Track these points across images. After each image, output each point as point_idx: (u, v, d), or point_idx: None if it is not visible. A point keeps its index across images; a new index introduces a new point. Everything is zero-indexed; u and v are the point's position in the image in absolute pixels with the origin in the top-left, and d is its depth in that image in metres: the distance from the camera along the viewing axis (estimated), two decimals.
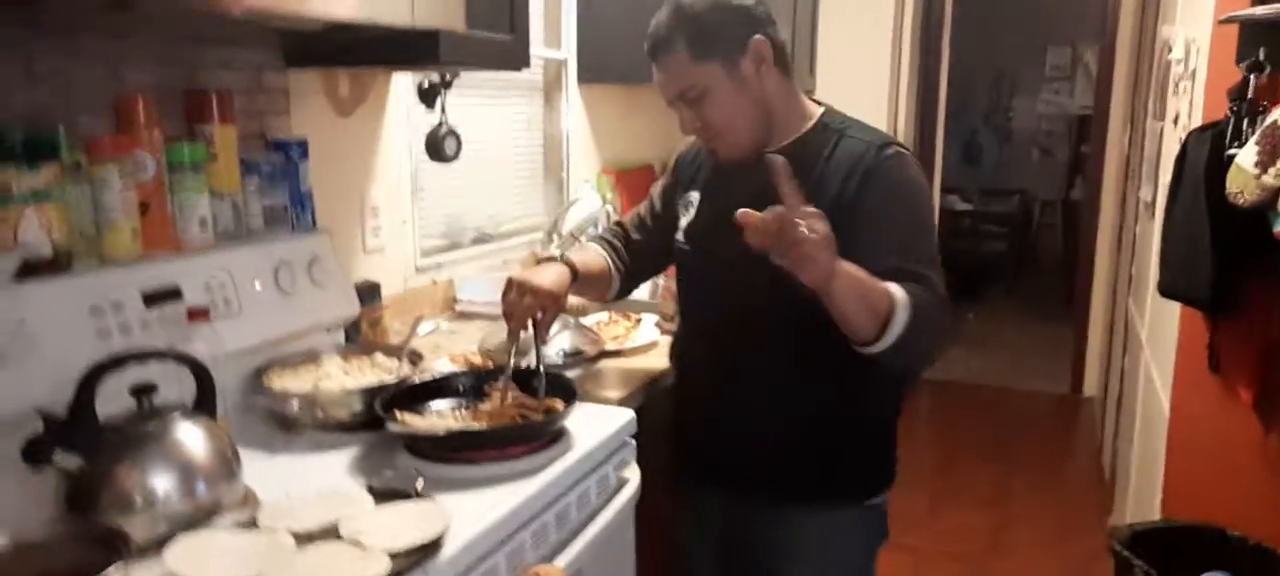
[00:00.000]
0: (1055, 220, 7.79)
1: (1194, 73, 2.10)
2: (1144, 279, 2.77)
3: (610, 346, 1.94)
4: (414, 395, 1.49)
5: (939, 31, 4.69)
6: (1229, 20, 1.79)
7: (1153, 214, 2.54)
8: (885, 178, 1.39)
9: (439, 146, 2.02)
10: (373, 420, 1.38)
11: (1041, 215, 7.86)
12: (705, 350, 1.59)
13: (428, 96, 2.03)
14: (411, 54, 1.59)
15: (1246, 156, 1.67)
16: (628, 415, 1.55)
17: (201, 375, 1.18)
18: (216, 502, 1.11)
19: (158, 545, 1.01)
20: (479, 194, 2.53)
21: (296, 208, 1.69)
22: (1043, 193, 7.83)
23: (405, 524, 1.09)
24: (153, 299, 1.36)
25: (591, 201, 2.64)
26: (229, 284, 1.49)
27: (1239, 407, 1.90)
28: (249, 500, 1.17)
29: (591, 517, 1.40)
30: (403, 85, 2.11)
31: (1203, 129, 1.85)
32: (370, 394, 1.44)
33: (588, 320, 2.09)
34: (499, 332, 1.66)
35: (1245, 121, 1.74)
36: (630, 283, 1.75)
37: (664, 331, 2.06)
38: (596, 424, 1.49)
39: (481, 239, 2.50)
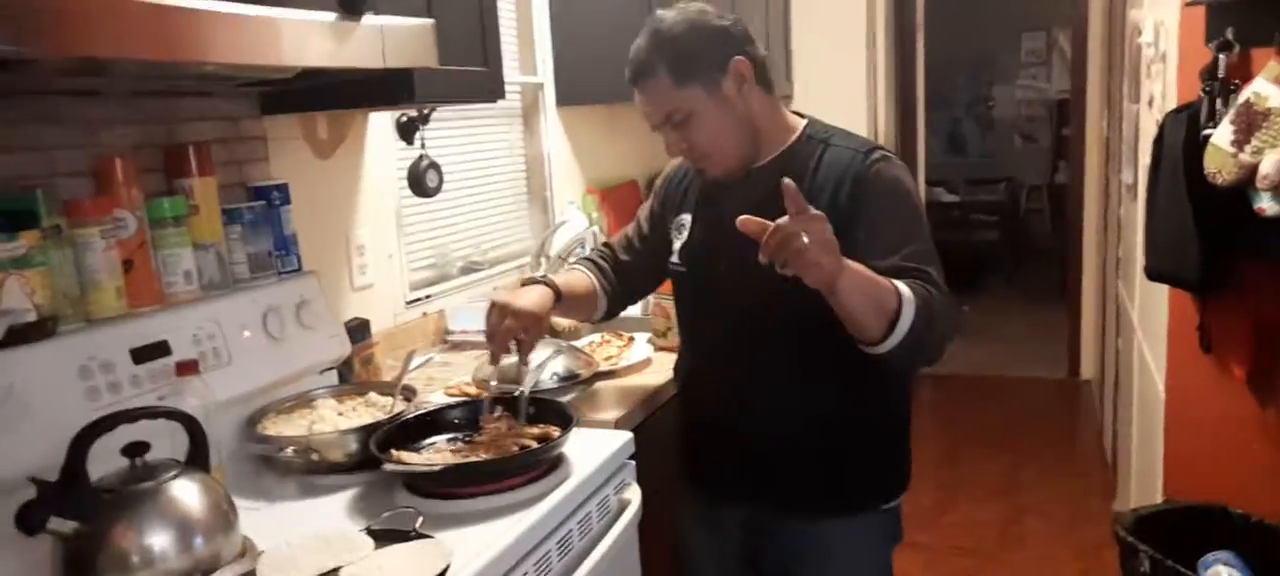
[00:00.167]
0: (1042, 205, 7.82)
1: (1165, 55, 2.12)
2: (1131, 261, 2.78)
3: (604, 367, 1.94)
4: (409, 431, 1.48)
5: (912, 24, 4.72)
6: (1195, 2, 1.80)
7: (1135, 196, 2.55)
8: (875, 182, 1.41)
9: (421, 180, 2.02)
10: (370, 460, 1.38)
11: (1028, 200, 7.89)
12: (714, 368, 1.58)
13: (406, 131, 2.03)
14: (387, 94, 1.59)
15: (1222, 135, 1.68)
16: (625, 436, 1.55)
17: (193, 429, 1.18)
18: (215, 556, 1.11)
19: None
20: (464, 223, 2.53)
21: (281, 252, 1.69)
22: (1028, 178, 7.87)
23: (406, 565, 1.09)
24: (141, 355, 1.36)
25: (578, 222, 2.64)
26: (218, 334, 1.49)
27: (1233, 385, 1.91)
28: (248, 551, 1.16)
29: (594, 542, 1.40)
30: (381, 123, 2.11)
31: (1178, 111, 1.86)
32: (365, 433, 1.44)
33: (580, 342, 2.10)
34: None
35: (1218, 101, 1.76)
36: (618, 303, 1.76)
37: (657, 348, 2.06)
38: (594, 447, 1.49)
39: (470, 268, 2.50)
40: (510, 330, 1.49)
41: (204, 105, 1.63)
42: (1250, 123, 1.64)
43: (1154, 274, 1.98)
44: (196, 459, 1.17)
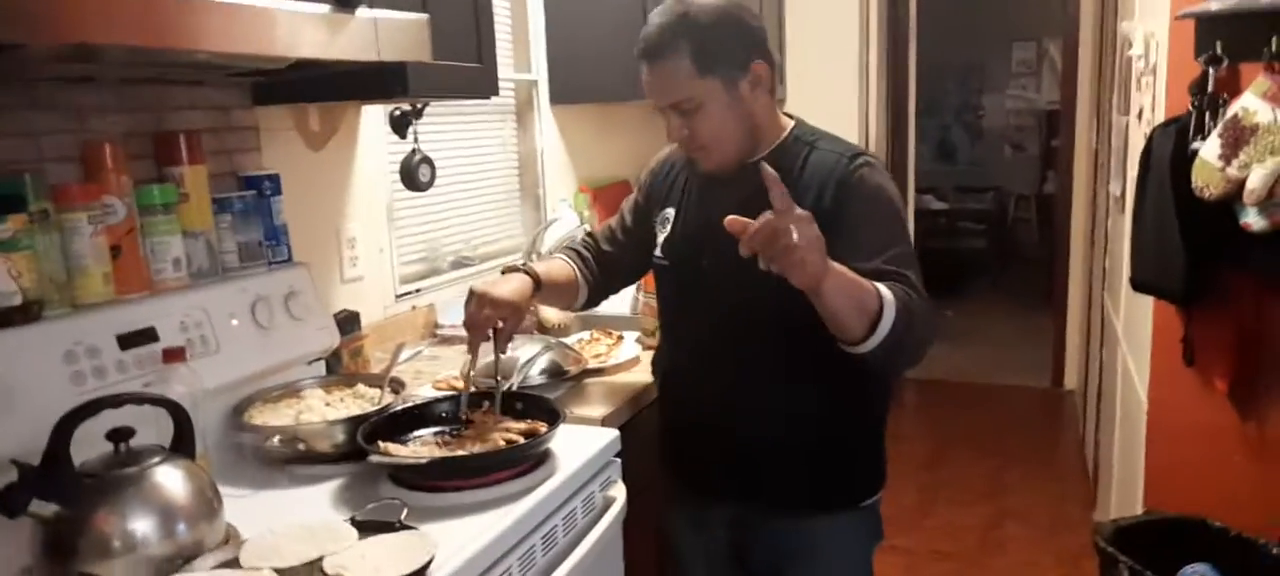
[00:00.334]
0: (1030, 214, 7.87)
1: (1155, 68, 2.14)
2: (1117, 272, 2.80)
3: (592, 364, 1.94)
4: (397, 423, 1.48)
5: (905, 31, 4.73)
6: (1186, 16, 1.82)
7: (1123, 208, 2.56)
8: (858, 186, 1.42)
9: (413, 175, 2.02)
10: (356, 451, 1.38)
11: (1016, 209, 7.94)
12: (693, 362, 1.60)
13: (399, 125, 2.03)
14: (380, 87, 1.59)
15: (1210, 150, 1.70)
16: (612, 434, 1.55)
17: (179, 416, 1.18)
18: (198, 543, 1.10)
19: None
20: (456, 218, 2.53)
21: (271, 242, 1.68)
22: (1017, 187, 7.91)
23: (390, 556, 1.09)
24: (128, 341, 1.35)
25: (569, 220, 2.65)
26: (205, 322, 1.49)
27: (1215, 397, 1.93)
28: (231, 538, 1.16)
29: (578, 539, 1.40)
30: (374, 116, 2.11)
31: (1167, 124, 1.88)
32: (352, 425, 1.43)
33: (569, 339, 2.10)
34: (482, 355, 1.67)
35: (1207, 115, 1.77)
36: (599, 293, 1.77)
37: (646, 347, 2.06)
38: (580, 444, 1.49)
39: (460, 263, 2.50)
40: (488, 319, 1.49)
41: (196, 94, 1.63)
42: (1238, 137, 1.66)
43: (1139, 285, 2.00)
44: (181, 446, 1.17)
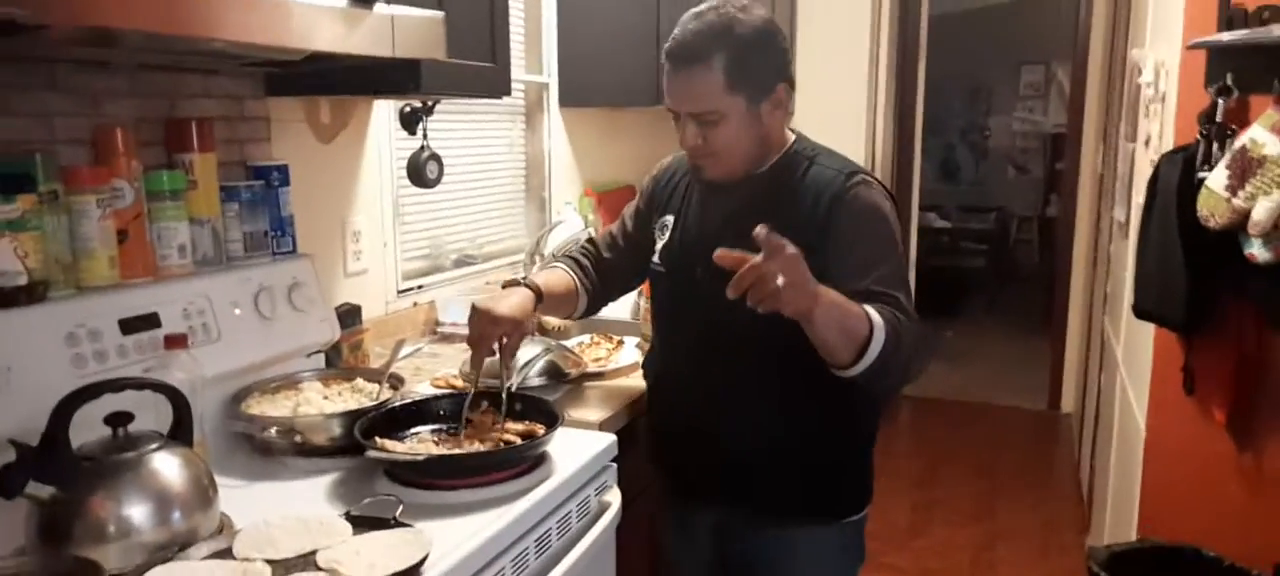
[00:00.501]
0: (1032, 236, 7.88)
1: (1164, 96, 2.14)
2: (1119, 297, 2.80)
3: (592, 368, 1.94)
4: (394, 420, 1.48)
5: (915, 50, 4.74)
6: (1197, 45, 1.82)
7: (1126, 233, 2.57)
8: (852, 204, 1.43)
9: (421, 171, 2.02)
10: (353, 445, 1.38)
11: (1018, 231, 7.94)
12: (682, 369, 1.60)
13: (409, 122, 2.03)
14: (393, 82, 1.59)
15: (1217, 179, 1.70)
16: (609, 439, 1.55)
17: (178, 402, 1.18)
18: (192, 531, 1.11)
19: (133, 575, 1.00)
20: (461, 216, 2.53)
21: (277, 233, 1.69)
22: (1019, 209, 7.92)
23: (384, 552, 1.09)
24: (130, 326, 1.36)
25: (574, 223, 2.65)
26: (208, 310, 1.49)
27: (1213, 426, 1.93)
28: (226, 528, 1.16)
29: (572, 543, 1.40)
30: (384, 111, 2.11)
31: (1175, 152, 1.88)
32: (350, 419, 1.43)
33: (570, 342, 2.10)
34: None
35: (1215, 144, 1.77)
36: (599, 301, 1.77)
37: (646, 353, 2.06)
38: (577, 448, 1.49)
39: (464, 261, 2.50)
40: (492, 336, 1.49)
41: (209, 82, 1.63)
42: (1245, 169, 1.66)
43: (1141, 311, 2.00)
44: (179, 433, 1.17)
